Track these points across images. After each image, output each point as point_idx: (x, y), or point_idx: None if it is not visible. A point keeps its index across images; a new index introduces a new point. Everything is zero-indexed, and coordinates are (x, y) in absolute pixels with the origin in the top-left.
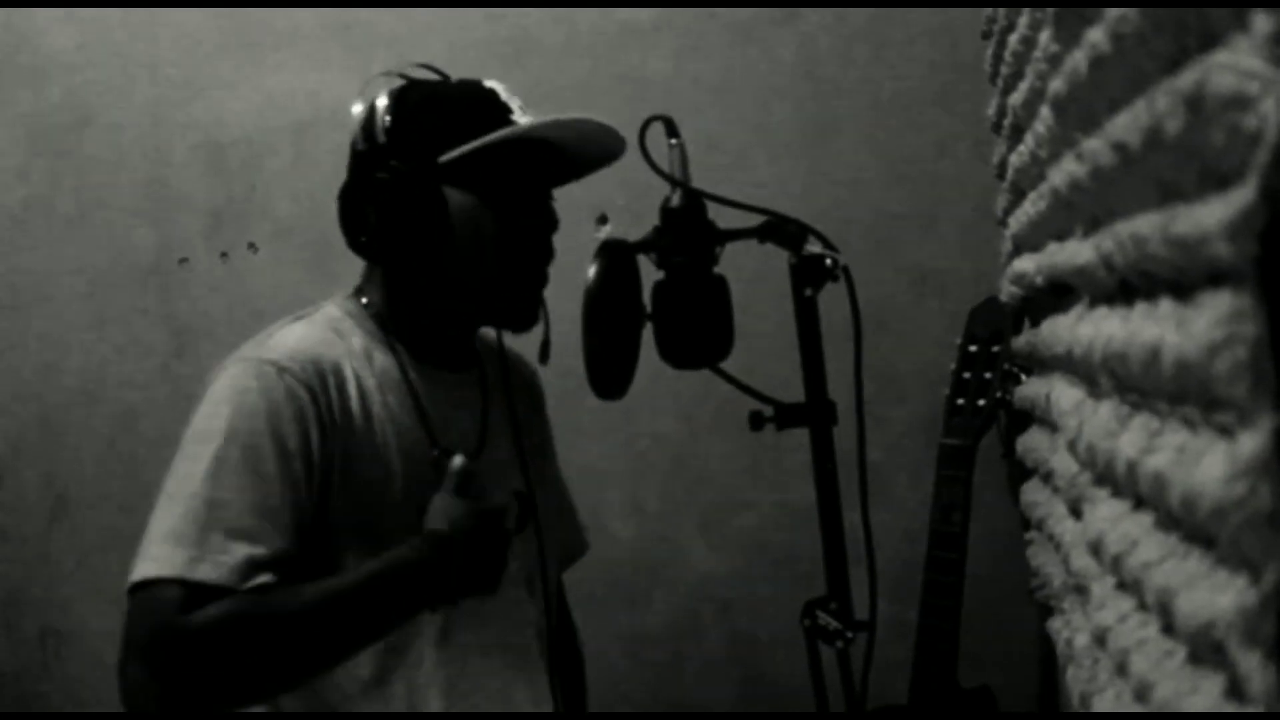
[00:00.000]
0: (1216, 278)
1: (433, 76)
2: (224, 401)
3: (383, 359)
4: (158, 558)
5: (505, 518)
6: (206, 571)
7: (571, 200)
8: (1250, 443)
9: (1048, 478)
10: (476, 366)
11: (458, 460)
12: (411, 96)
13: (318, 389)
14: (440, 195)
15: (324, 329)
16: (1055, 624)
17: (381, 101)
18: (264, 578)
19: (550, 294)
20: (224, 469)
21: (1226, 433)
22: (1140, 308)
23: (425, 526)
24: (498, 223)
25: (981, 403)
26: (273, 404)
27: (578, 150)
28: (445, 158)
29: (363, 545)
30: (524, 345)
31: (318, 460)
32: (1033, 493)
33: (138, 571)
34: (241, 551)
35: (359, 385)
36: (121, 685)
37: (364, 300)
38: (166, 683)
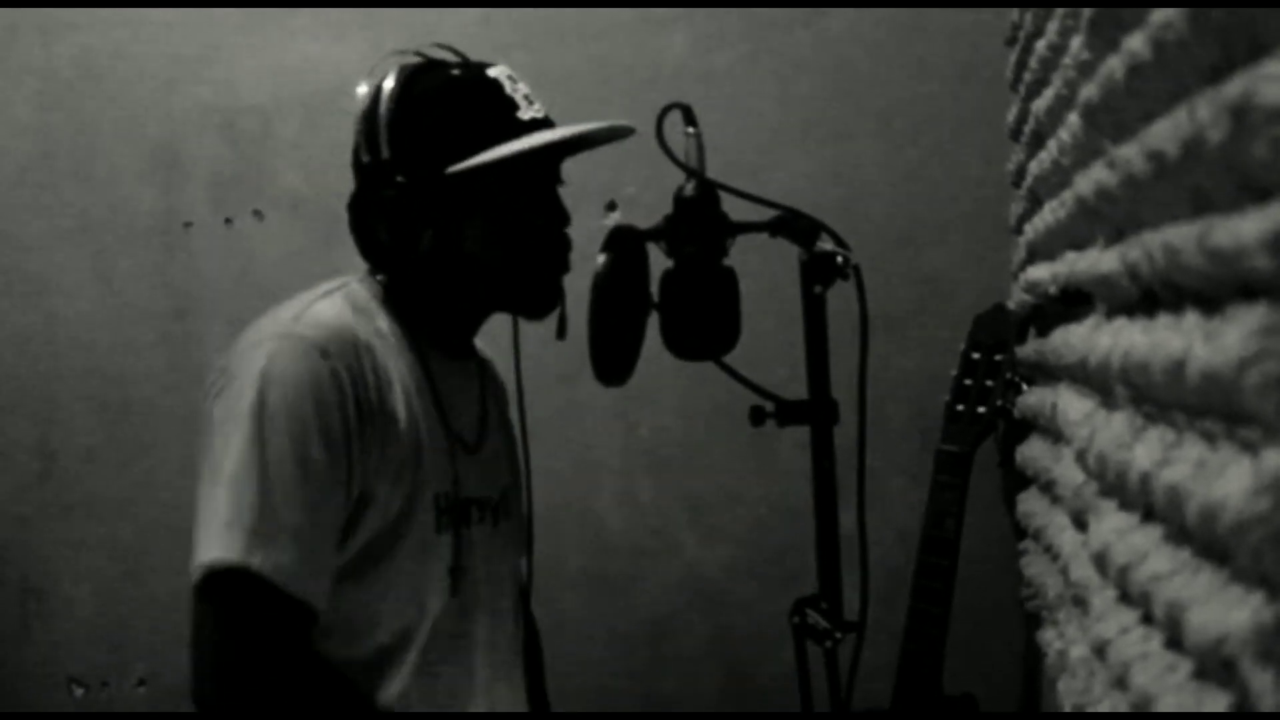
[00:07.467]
0: (1249, 291)
1: (449, 56)
2: (274, 383)
3: (404, 343)
4: (220, 543)
5: None
6: (263, 565)
7: (582, 187)
8: (1277, 458)
9: (1048, 488)
10: (474, 356)
11: None
12: (414, 92)
13: (356, 371)
14: (450, 211)
15: (352, 308)
16: (1047, 635)
17: (385, 96)
18: (310, 587)
19: None
20: (276, 458)
21: (1249, 448)
22: (1164, 319)
23: None
24: (513, 225)
25: (981, 410)
26: (319, 389)
27: (578, 143)
28: (454, 169)
29: (385, 524)
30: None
31: (356, 445)
32: (1030, 502)
33: (203, 554)
34: (293, 552)
35: (388, 367)
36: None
37: (380, 279)
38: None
